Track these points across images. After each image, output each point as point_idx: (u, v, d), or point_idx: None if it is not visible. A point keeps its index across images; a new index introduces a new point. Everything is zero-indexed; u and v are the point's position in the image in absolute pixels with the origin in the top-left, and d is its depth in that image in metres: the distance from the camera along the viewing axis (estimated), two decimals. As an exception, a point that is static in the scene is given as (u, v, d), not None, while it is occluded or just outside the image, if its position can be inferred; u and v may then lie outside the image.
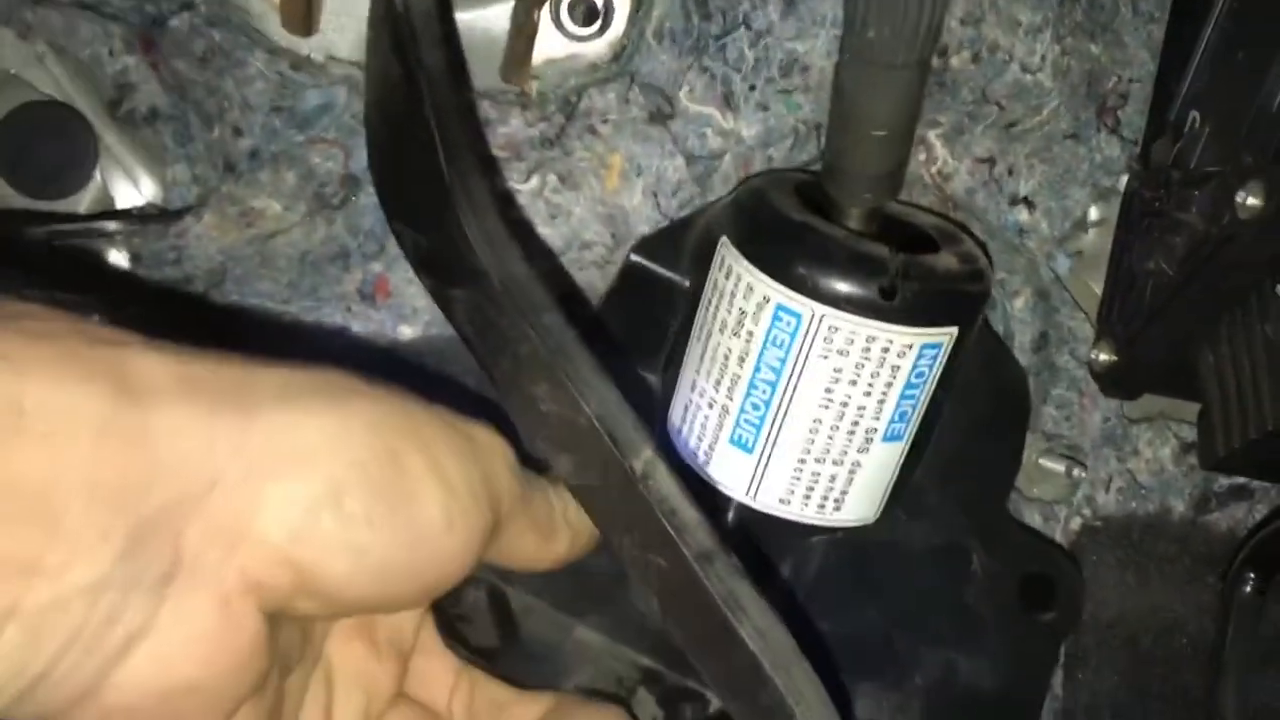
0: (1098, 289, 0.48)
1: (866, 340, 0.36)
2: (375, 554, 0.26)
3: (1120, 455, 0.49)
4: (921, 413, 0.39)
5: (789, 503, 0.39)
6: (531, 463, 0.32)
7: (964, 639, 0.43)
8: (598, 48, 0.42)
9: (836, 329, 0.36)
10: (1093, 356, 0.47)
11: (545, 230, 0.44)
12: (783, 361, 0.37)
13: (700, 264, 0.40)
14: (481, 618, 0.36)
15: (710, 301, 0.39)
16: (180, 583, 0.24)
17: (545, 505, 0.31)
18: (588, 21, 0.41)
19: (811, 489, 0.39)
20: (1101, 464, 0.49)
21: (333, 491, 0.25)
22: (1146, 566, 0.49)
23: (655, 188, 0.43)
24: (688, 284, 0.42)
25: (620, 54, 0.42)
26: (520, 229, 0.44)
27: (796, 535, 0.40)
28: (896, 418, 0.38)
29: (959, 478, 0.43)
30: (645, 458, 0.28)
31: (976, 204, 0.46)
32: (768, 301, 0.37)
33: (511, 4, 0.40)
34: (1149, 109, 0.45)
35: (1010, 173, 0.46)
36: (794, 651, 0.27)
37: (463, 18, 0.40)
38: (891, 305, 0.36)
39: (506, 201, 0.43)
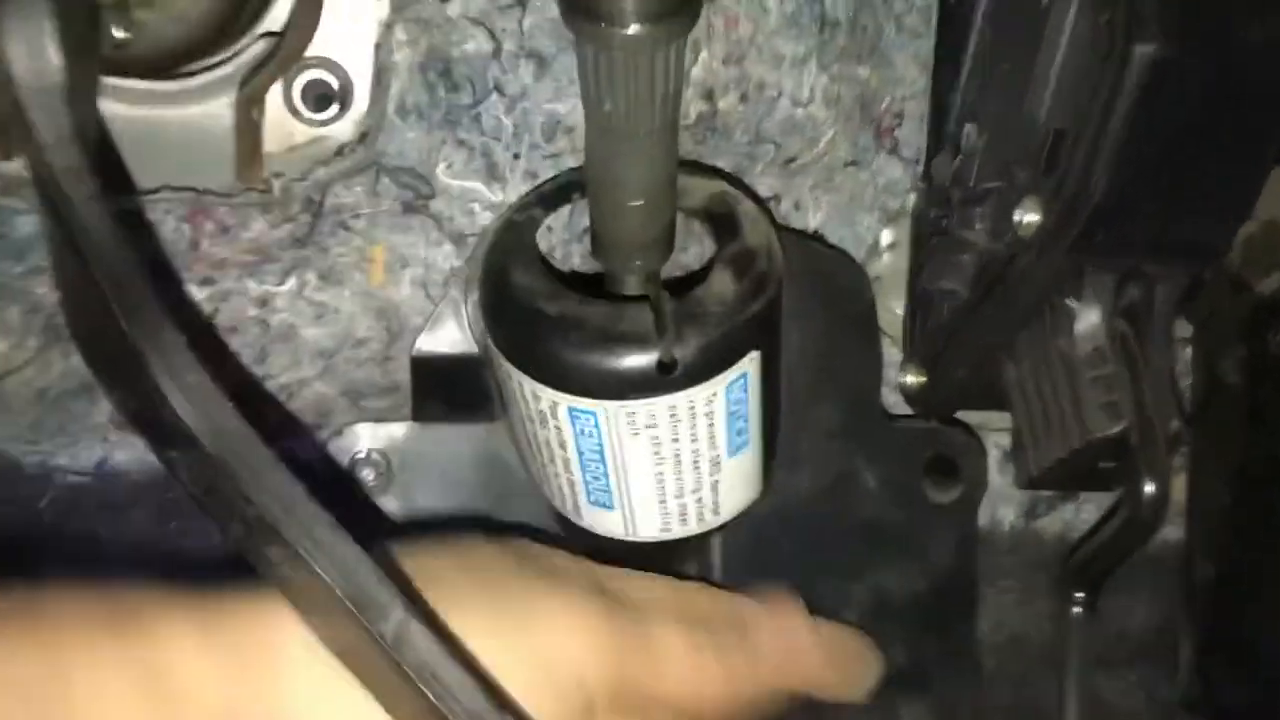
0: (900, 312, 0.47)
1: (668, 410, 0.35)
2: None
3: (944, 474, 0.48)
4: (758, 415, 0.38)
5: (669, 530, 0.38)
6: None
7: (881, 556, 0.43)
8: (342, 128, 0.39)
9: (634, 413, 0.35)
10: (902, 380, 0.45)
11: (313, 331, 0.41)
12: (600, 447, 0.36)
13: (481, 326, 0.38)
14: None
15: (508, 397, 0.37)
16: None
17: None
18: (321, 107, 0.38)
19: (684, 514, 0.38)
20: (926, 486, 0.48)
21: None
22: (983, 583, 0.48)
23: (425, 278, 0.41)
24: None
25: (366, 134, 0.39)
26: (285, 333, 0.41)
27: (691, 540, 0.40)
28: (733, 436, 0.37)
29: (823, 408, 0.42)
30: (395, 620, 0.25)
31: (765, 245, 0.44)
32: (558, 406, 0.35)
33: (229, 99, 0.37)
34: (928, 125, 0.44)
35: (797, 208, 0.44)
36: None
37: (177, 114, 0.37)
38: (675, 376, 0.34)
39: (264, 304, 0.40)
